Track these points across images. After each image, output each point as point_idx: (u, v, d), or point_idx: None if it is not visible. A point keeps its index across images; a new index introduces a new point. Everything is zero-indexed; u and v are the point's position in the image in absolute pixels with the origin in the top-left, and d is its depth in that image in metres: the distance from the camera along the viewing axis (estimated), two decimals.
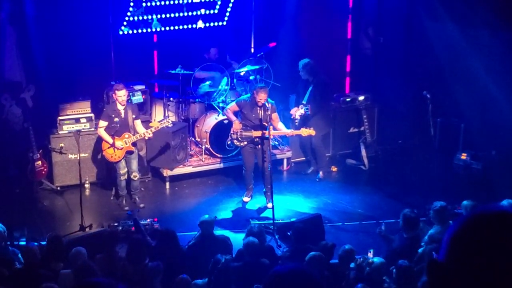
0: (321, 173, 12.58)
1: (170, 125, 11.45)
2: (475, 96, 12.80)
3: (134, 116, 11.26)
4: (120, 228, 10.30)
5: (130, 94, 12.10)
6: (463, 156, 12.98)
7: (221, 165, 12.66)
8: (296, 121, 12.22)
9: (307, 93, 12.20)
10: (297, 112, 12.18)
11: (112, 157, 11.22)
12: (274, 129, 11.26)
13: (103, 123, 11.18)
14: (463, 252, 2.05)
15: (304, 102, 12.19)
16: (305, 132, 11.17)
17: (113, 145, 11.12)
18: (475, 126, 12.90)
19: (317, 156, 12.64)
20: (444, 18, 12.84)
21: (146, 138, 11.17)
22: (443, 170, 12.66)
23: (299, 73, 12.35)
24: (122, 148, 11.15)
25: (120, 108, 11.14)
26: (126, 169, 11.36)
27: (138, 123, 11.31)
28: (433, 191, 11.42)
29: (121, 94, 11.02)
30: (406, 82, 13.59)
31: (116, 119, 11.11)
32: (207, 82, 12.79)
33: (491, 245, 2.01)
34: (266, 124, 10.76)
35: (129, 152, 11.27)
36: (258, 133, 11.04)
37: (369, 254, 8.58)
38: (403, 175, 12.63)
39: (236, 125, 11.20)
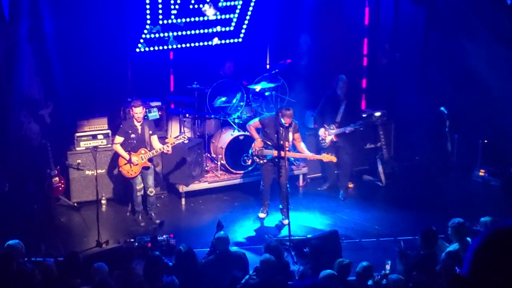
0: (343, 191, 12.50)
1: (186, 141, 11.47)
2: (493, 112, 12.74)
3: (150, 132, 11.29)
4: (137, 244, 10.30)
5: (147, 110, 12.17)
6: (481, 173, 12.90)
7: (237, 181, 12.65)
8: (324, 143, 12.11)
9: (341, 110, 12.09)
10: (329, 137, 12.08)
11: (128, 172, 11.26)
12: (295, 148, 11.26)
13: (119, 139, 11.23)
14: (486, 266, 2.03)
15: (338, 120, 12.08)
16: (326, 157, 11.12)
17: (129, 161, 11.16)
18: (493, 142, 12.83)
19: (343, 173, 12.54)
20: (461, 34, 12.82)
21: (165, 151, 11.16)
22: (461, 187, 12.59)
23: (334, 90, 12.17)
24: (138, 164, 11.18)
25: (137, 124, 11.18)
26: (142, 185, 11.39)
27: (154, 139, 11.34)
28: (451, 207, 11.36)
29: (137, 111, 11.08)
30: (423, 97, 13.54)
31: (133, 135, 11.16)
32: (223, 98, 12.82)
33: None
34: (288, 145, 10.75)
35: (145, 168, 11.30)
36: (279, 153, 10.99)
37: (386, 266, 8.53)
38: (420, 192, 12.55)
39: (258, 143, 11.19)
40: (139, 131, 11.20)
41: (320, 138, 12.25)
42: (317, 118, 12.60)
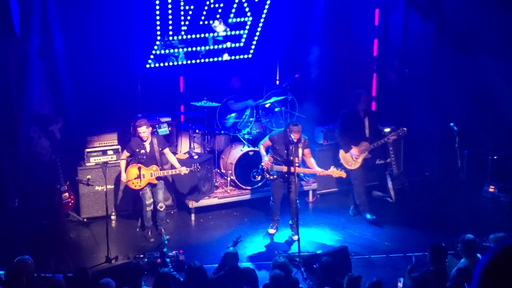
0: (353, 207, 12.33)
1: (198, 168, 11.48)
2: (503, 128, 12.71)
3: (160, 149, 11.31)
4: (146, 260, 10.30)
5: (156, 126, 12.23)
6: (491, 189, 12.86)
7: (246, 197, 12.65)
8: (355, 163, 11.80)
9: (366, 126, 11.77)
10: (363, 155, 11.81)
11: (133, 184, 11.26)
12: (305, 164, 11.24)
13: (125, 154, 11.34)
14: (495, 282, 2.03)
15: (367, 136, 11.77)
16: (336, 173, 11.07)
17: (138, 176, 11.20)
18: (503, 158, 12.79)
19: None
20: (470, 49, 12.81)
21: (182, 173, 11.22)
22: (470, 203, 12.54)
23: (352, 106, 11.80)
24: (145, 178, 11.21)
25: (145, 142, 11.21)
26: (152, 200, 11.39)
27: (167, 152, 11.38)
28: (460, 223, 11.31)
29: (141, 131, 11.08)
30: (432, 113, 13.53)
31: (142, 151, 11.19)
32: (233, 114, 12.87)
33: None
34: (297, 160, 10.74)
35: (153, 184, 11.32)
36: (289, 168, 10.98)
37: (399, 283, 8.50)
38: (430, 208, 12.51)
39: (268, 159, 11.14)
40: (148, 148, 11.23)
41: (354, 158, 11.82)
42: (340, 138, 12.10)
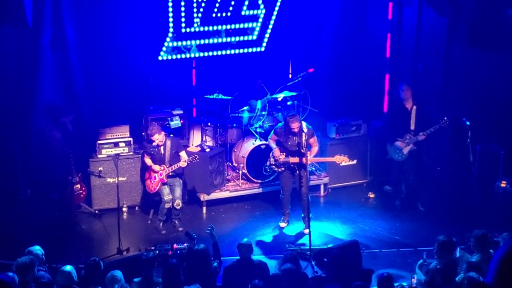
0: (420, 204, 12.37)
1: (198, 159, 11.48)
2: None
3: (173, 151, 11.35)
4: (157, 251, 10.33)
5: (168, 119, 12.24)
6: (503, 184, 12.82)
7: (258, 190, 12.65)
8: (402, 155, 11.86)
9: (412, 116, 11.75)
10: (407, 148, 11.83)
11: (148, 187, 11.37)
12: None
13: (147, 159, 11.49)
14: (510, 274, 2.02)
15: (412, 128, 11.74)
16: (339, 159, 11.10)
17: (149, 177, 11.29)
18: None
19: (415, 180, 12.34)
20: (484, 44, 12.72)
21: (182, 165, 11.27)
22: (482, 198, 12.51)
23: (399, 99, 11.88)
24: (156, 179, 11.30)
25: (161, 146, 11.29)
26: (170, 196, 11.44)
27: (183, 155, 11.43)
28: (472, 218, 11.28)
29: (156, 139, 11.25)
30: (445, 108, 13.46)
31: (157, 154, 11.31)
32: (245, 107, 12.85)
33: None
34: (303, 151, 10.73)
35: (164, 183, 11.35)
36: (295, 159, 11.05)
37: (412, 280, 8.47)
38: (441, 202, 12.48)
39: (277, 150, 11.20)
40: (162, 150, 11.30)
41: (398, 150, 11.93)
42: (386, 132, 12.29)
